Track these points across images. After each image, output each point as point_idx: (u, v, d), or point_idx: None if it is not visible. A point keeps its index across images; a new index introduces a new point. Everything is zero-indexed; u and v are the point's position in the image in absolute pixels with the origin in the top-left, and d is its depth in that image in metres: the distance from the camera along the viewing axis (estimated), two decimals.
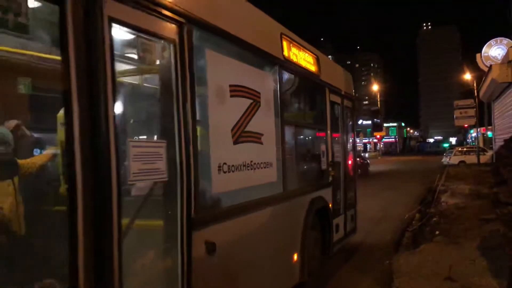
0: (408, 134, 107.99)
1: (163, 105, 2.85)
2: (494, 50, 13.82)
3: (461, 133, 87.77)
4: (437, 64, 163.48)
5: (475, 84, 35.06)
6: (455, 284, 5.24)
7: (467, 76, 39.76)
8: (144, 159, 2.46)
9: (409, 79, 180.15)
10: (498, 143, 9.51)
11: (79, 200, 2.05)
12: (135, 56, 2.71)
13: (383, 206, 12.88)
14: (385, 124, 72.97)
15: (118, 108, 2.33)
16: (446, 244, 7.24)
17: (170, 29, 2.72)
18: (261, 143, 3.96)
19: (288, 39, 4.83)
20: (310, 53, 5.47)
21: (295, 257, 4.75)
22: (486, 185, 14.61)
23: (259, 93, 3.94)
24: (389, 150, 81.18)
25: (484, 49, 13.99)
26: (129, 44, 2.67)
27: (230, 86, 3.49)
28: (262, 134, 3.96)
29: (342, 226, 6.56)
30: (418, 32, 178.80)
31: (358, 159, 20.74)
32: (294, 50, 4.91)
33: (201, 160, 2.98)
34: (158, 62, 2.79)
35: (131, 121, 2.84)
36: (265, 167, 3.99)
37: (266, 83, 4.21)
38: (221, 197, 3.36)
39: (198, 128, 2.97)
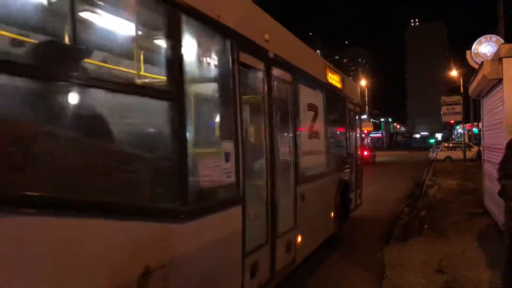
0: (395, 130, 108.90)
1: (283, 118, 4.83)
2: (484, 47, 13.98)
3: (447, 129, 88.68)
4: (424, 60, 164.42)
5: (461, 81, 35.44)
6: (445, 276, 5.36)
7: (454, 73, 40.17)
8: (284, 148, 4.78)
9: (397, 75, 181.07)
10: (486, 139, 9.66)
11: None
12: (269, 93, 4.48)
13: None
14: (372, 120, 74.08)
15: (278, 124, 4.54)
16: (435, 237, 7.38)
17: (290, 77, 4.96)
18: (318, 138, 6.14)
19: (328, 67, 6.99)
20: (337, 74, 7.59)
21: (332, 214, 6.93)
22: (472, 180, 14.89)
23: (317, 106, 6.11)
24: (375, 145, 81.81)
25: (474, 46, 14.13)
26: (277, 88, 4.64)
27: (308, 104, 5.71)
28: (318, 133, 6.13)
29: (354, 200, 8.64)
30: (406, 28, 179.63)
31: (368, 151, 30.07)
32: (329, 74, 7.02)
33: (299, 148, 5.09)
34: (283, 95, 4.87)
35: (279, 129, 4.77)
36: (319, 154, 6.30)
37: (318, 99, 6.29)
38: (304, 170, 5.32)
39: (298, 131, 5.11)
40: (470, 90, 10.12)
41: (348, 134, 8.46)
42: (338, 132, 8.11)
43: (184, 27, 2.81)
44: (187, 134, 2.75)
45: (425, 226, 8.31)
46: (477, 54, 13.96)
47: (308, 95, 5.82)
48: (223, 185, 3.32)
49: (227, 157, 3.35)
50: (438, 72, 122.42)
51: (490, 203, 8.84)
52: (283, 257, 4.57)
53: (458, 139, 56.76)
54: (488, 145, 9.39)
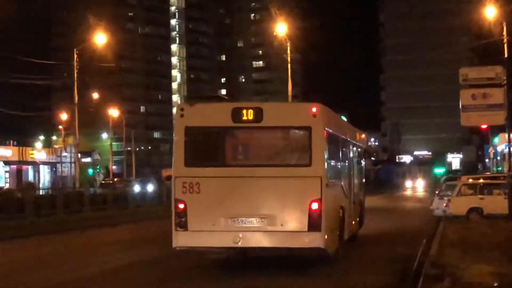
0: None
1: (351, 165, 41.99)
2: None
3: (474, 144, 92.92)
4: None
5: (505, 31, 36.28)
6: None
7: (488, 13, 40.83)
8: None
9: (361, 25, 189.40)
10: None
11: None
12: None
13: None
14: None
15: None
16: None
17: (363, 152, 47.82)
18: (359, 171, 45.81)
19: (360, 133, 45.05)
20: (360, 134, 44.83)
21: (360, 210, 44.32)
22: None
23: (358, 156, 44.97)
24: None
25: None
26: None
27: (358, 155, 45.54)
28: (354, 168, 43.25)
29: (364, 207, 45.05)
30: None
31: None
32: (360, 136, 45.46)
33: (354, 177, 42.81)
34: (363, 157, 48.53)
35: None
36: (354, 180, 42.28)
37: (360, 153, 45.62)
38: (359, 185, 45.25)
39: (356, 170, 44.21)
40: None
41: (363, 168, 45.10)
42: (359, 167, 41.82)
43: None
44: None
45: None
46: None
47: (356, 151, 38.40)
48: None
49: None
50: (450, 16, 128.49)
51: None
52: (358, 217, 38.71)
53: (499, 167, 59.36)
54: None
